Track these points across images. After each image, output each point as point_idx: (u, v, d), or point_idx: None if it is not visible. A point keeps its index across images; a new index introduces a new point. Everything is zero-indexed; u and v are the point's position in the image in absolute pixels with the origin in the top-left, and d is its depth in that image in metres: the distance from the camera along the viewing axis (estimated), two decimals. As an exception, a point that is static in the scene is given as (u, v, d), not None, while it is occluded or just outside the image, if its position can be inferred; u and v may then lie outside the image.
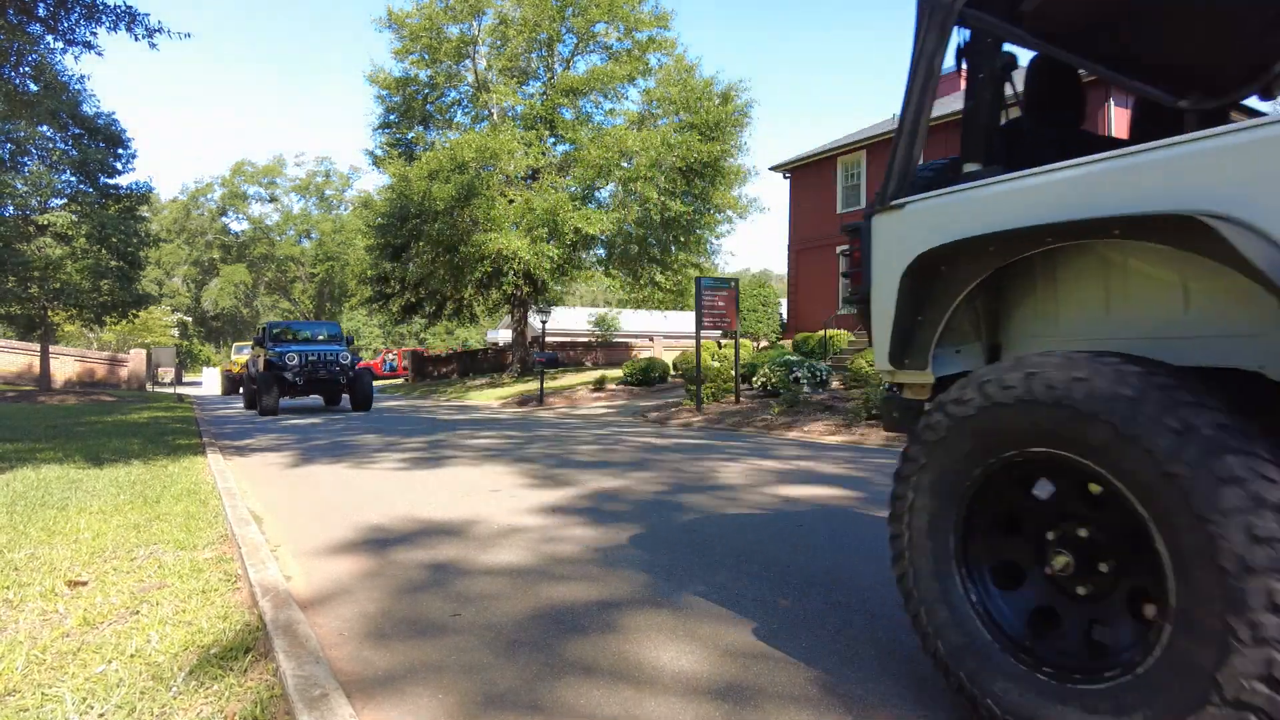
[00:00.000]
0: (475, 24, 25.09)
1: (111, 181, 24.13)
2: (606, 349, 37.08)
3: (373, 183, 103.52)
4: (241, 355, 31.39)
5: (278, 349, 16.41)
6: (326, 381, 16.44)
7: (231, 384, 30.05)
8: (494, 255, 21.81)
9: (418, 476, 6.80)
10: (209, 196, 63.65)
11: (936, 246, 2.10)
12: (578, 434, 11.10)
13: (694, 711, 2.14)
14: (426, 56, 25.54)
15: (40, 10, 10.97)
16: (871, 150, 22.72)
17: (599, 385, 20.45)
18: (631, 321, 50.35)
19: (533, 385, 22.61)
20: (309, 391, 16.58)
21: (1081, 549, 1.72)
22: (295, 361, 16.00)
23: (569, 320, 51.12)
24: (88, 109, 23.20)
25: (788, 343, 22.60)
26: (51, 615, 2.92)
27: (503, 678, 2.39)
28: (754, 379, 14.92)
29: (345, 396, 18.56)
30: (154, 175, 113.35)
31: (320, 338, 18.26)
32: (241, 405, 21.12)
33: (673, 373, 21.90)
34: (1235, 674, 1.36)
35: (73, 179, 23.66)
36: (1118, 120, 17.15)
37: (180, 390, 31.96)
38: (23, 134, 22.13)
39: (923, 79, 2.39)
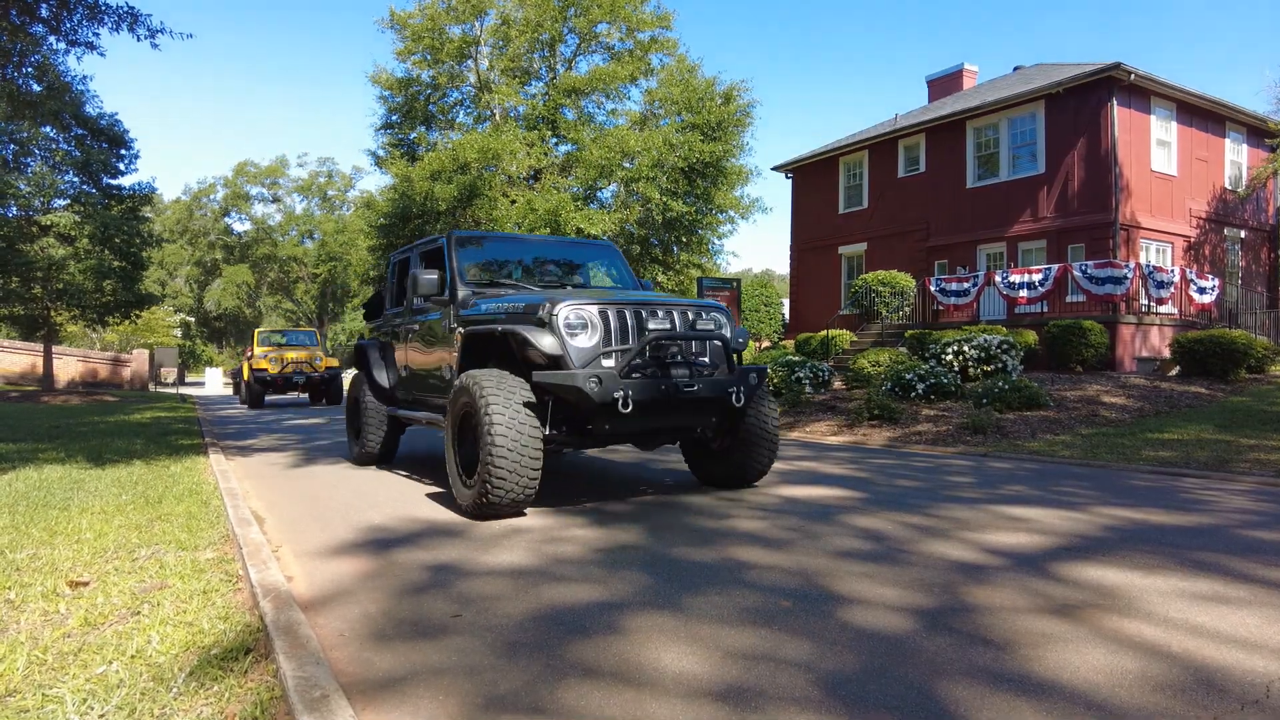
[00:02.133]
0: (477, 24, 25.09)
1: (114, 182, 24.14)
2: (609, 349, 37.01)
3: (375, 183, 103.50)
4: (290, 345, 20.66)
5: (504, 300, 5.62)
6: (693, 408, 5.26)
7: (259, 390, 18.99)
8: (496, 255, 21.77)
9: (421, 476, 6.79)
10: (212, 197, 63.67)
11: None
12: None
13: (696, 713, 2.13)
14: (429, 57, 25.53)
15: (43, 11, 10.99)
16: (874, 150, 22.69)
17: (601, 385, 20.41)
18: (634, 322, 50.18)
19: (535, 385, 22.56)
20: (656, 429, 5.36)
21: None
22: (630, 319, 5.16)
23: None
24: (90, 110, 23.21)
25: (790, 343, 22.57)
26: (53, 615, 2.91)
27: (504, 679, 2.38)
28: (756, 379, 14.89)
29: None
30: (157, 176, 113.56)
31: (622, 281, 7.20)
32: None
33: (675, 373, 21.84)
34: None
35: (75, 180, 23.68)
36: (1119, 120, 17.11)
37: (183, 390, 32.02)
38: (26, 135, 22.16)
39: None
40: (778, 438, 5.94)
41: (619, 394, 4.67)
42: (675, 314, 5.37)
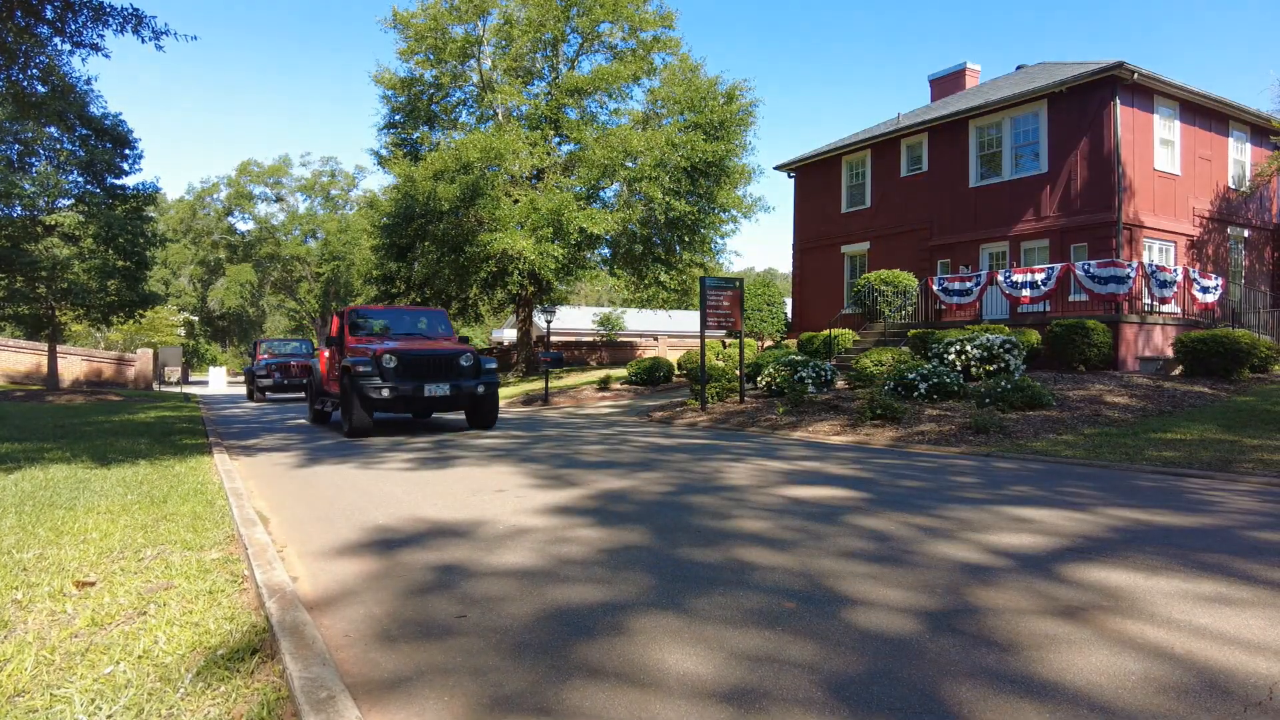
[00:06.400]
0: (480, 24, 25.09)
1: (118, 182, 24.18)
2: (611, 348, 37.05)
3: (378, 183, 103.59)
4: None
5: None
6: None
7: None
8: (499, 255, 21.82)
9: (424, 477, 6.80)
10: (215, 196, 63.75)
11: None
12: (583, 434, 11.10)
13: (700, 714, 2.14)
14: (432, 57, 25.55)
15: (48, 13, 11.00)
16: (876, 150, 22.66)
17: (604, 385, 20.44)
18: (636, 321, 50.33)
19: (538, 385, 22.61)
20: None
21: None
22: None
23: (574, 320, 51.12)
24: (95, 110, 23.24)
25: (792, 342, 22.56)
26: (60, 615, 2.93)
27: (509, 680, 2.39)
28: (759, 379, 14.90)
29: None
30: (160, 176, 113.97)
31: None
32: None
33: (677, 372, 21.87)
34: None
35: (80, 179, 23.72)
36: (1123, 119, 17.07)
37: (187, 389, 32.11)
38: (30, 135, 22.21)
39: None
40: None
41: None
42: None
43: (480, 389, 10.91)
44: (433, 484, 6.37)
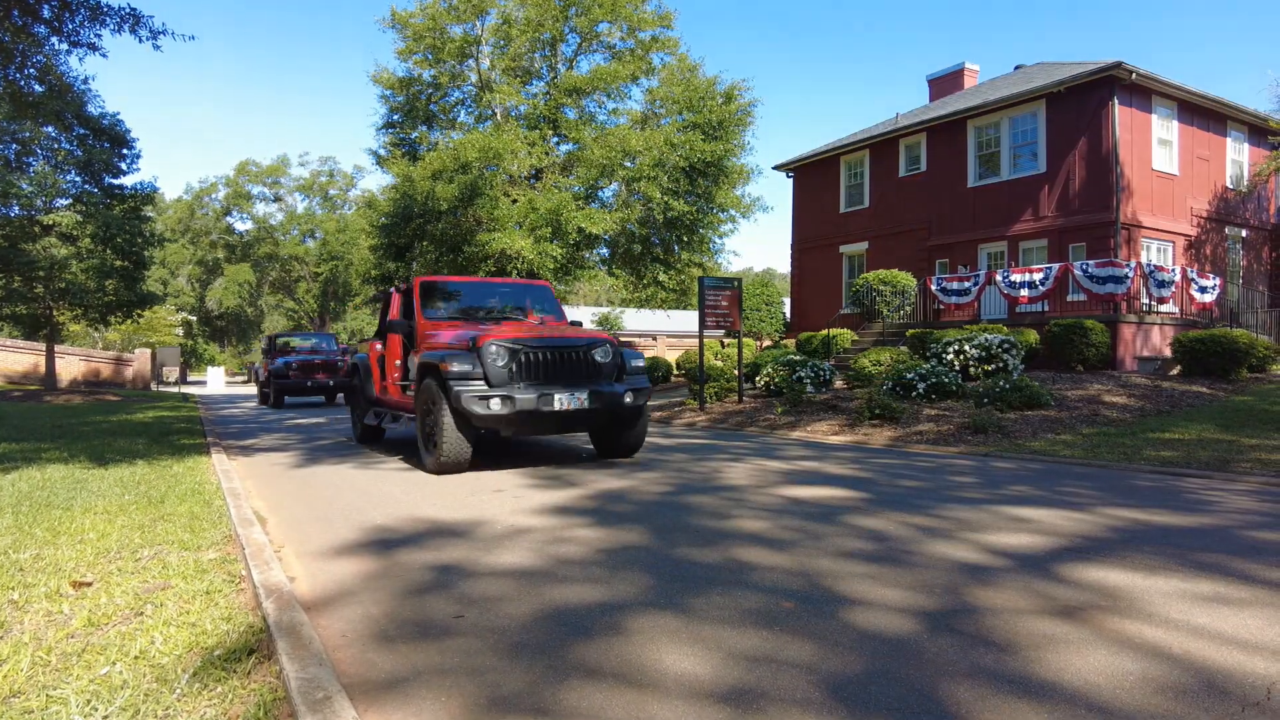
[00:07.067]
0: (479, 24, 25.07)
1: (116, 182, 24.12)
2: (610, 348, 36.98)
3: (376, 182, 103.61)
4: None
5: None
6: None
7: None
8: (498, 255, 21.80)
9: (423, 476, 6.79)
10: (213, 196, 63.65)
11: None
12: (582, 434, 11.09)
13: (698, 714, 2.13)
14: (430, 56, 25.52)
15: (45, 12, 10.98)
16: (875, 150, 22.67)
17: (602, 385, 20.39)
18: (634, 321, 50.33)
19: (536, 385, 22.54)
20: None
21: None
22: None
23: (572, 319, 51.07)
24: (92, 109, 23.18)
25: (791, 342, 22.56)
26: (56, 616, 2.92)
27: (507, 680, 2.38)
28: (757, 378, 14.90)
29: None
30: (159, 175, 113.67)
31: None
32: None
33: (676, 372, 21.87)
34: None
35: (78, 179, 23.66)
36: (1121, 119, 17.08)
37: (185, 389, 32.08)
38: (28, 135, 22.17)
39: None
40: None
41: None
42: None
43: (628, 398, 7.28)
44: (431, 484, 6.37)
